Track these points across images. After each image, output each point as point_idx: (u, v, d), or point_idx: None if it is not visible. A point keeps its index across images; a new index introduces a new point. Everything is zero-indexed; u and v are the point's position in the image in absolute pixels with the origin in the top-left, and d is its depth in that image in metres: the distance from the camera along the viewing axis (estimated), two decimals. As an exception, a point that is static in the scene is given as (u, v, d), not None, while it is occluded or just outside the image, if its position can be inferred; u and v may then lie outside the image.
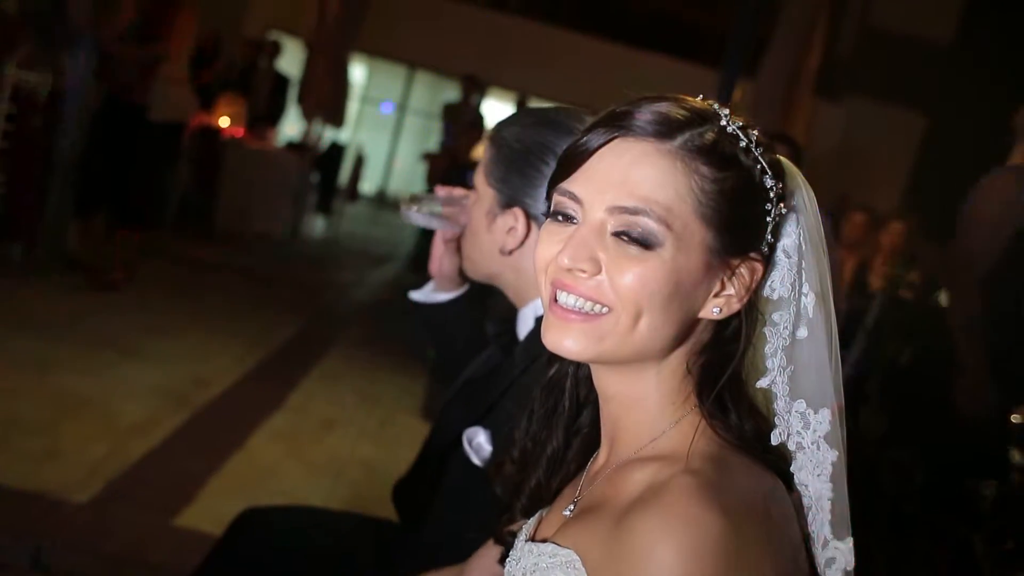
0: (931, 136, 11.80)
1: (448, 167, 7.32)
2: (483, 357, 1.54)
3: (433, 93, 13.79)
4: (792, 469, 0.82)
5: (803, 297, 0.83)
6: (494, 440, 1.30)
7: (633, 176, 0.77)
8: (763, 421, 0.84)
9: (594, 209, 0.79)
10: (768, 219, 0.81)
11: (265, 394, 3.76)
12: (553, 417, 0.94)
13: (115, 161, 4.68)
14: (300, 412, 3.68)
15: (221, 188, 7.26)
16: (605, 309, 0.79)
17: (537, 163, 1.33)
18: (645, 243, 0.76)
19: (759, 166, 0.80)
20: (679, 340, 0.81)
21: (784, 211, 0.82)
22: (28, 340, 3.63)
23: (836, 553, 0.82)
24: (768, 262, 0.82)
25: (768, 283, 0.83)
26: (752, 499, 0.74)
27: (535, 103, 10.81)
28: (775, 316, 0.83)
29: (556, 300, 0.81)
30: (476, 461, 1.31)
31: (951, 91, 10.98)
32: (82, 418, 3.06)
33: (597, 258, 0.78)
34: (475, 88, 8.68)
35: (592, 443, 0.93)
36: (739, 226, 0.79)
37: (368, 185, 12.80)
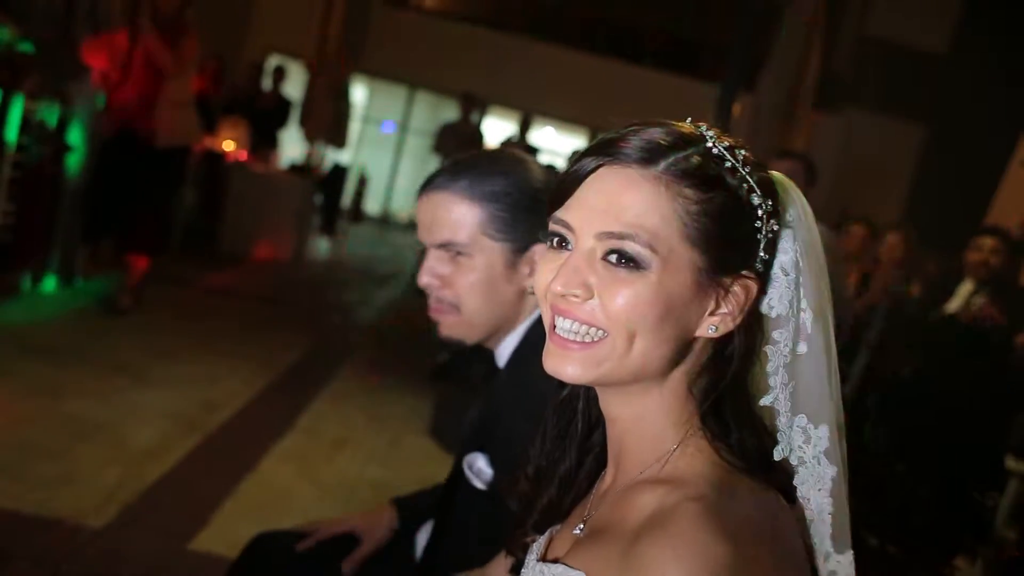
0: (930, 146, 11.86)
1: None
2: (484, 392, 1.59)
3: (434, 112, 13.89)
4: (795, 483, 0.84)
5: (801, 313, 0.84)
6: (493, 464, 1.34)
7: (619, 202, 0.79)
8: (767, 438, 0.85)
9: (584, 236, 0.81)
10: (759, 236, 0.82)
11: (275, 416, 3.80)
12: (566, 437, 0.96)
13: (121, 188, 4.73)
14: (310, 434, 3.71)
15: (225, 211, 7.32)
16: (601, 333, 0.81)
17: (540, 199, 1.36)
18: (633, 266, 0.79)
19: (745, 185, 0.81)
20: (676, 360, 0.83)
21: (776, 227, 0.83)
22: (39, 366, 3.68)
23: (837, 567, 0.84)
24: (763, 279, 0.84)
25: (767, 301, 0.84)
26: (758, 522, 0.76)
27: (537, 121, 10.89)
28: (775, 334, 0.85)
29: (555, 327, 0.84)
30: (479, 485, 1.35)
31: (949, 101, 11.05)
32: (95, 443, 3.09)
33: (588, 283, 0.81)
34: (473, 106, 8.76)
35: (603, 463, 0.94)
36: (727, 245, 0.80)
37: (371, 205, 12.86)
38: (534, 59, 12.72)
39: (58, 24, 4.73)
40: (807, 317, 0.84)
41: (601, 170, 0.81)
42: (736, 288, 0.81)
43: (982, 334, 3.54)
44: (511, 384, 1.38)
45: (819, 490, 0.83)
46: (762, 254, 0.82)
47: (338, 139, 8.58)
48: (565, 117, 13.25)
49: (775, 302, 0.84)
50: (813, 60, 7.57)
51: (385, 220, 14.06)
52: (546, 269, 0.85)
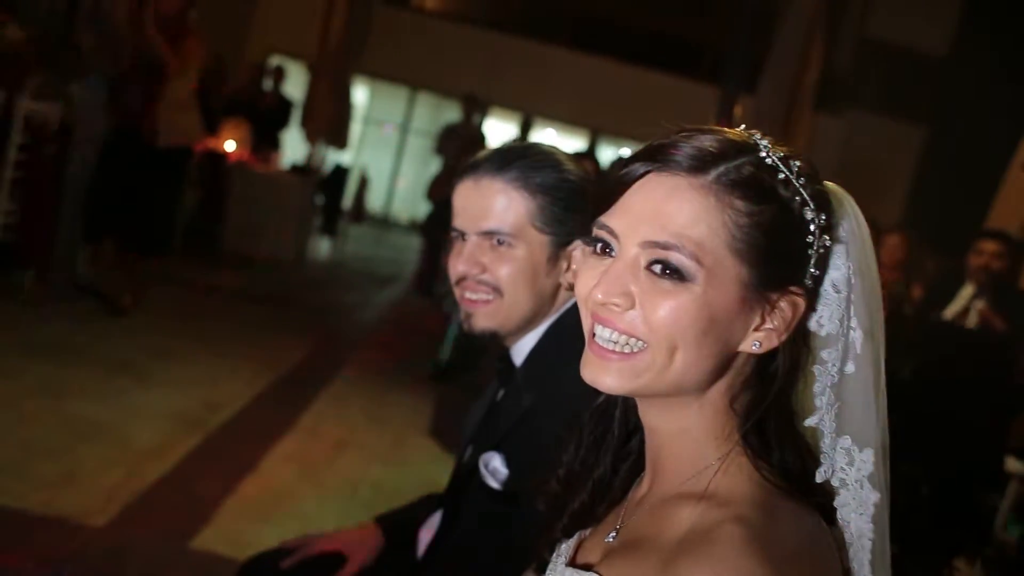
0: (931, 148, 11.87)
1: (447, 185, 7.39)
2: (489, 391, 1.58)
3: (435, 113, 13.90)
4: (836, 504, 0.82)
5: (851, 332, 0.81)
6: (509, 464, 1.34)
7: (666, 211, 0.77)
8: (810, 459, 0.82)
9: (629, 243, 0.79)
10: (810, 252, 0.79)
11: (276, 417, 3.80)
12: (602, 444, 0.94)
13: (124, 188, 4.74)
14: (311, 434, 3.72)
15: (227, 212, 7.34)
16: (641, 344, 0.79)
17: (583, 196, 1.37)
18: (676, 277, 0.76)
19: (798, 198, 0.78)
20: (718, 374, 0.81)
21: (829, 243, 0.80)
22: (42, 366, 3.69)
23: None
24: (813, 296, 0.81)
25: (816, 318, 0.81)
26: (799, 547, 0.74)
27: (537, 123, 10.91)
28: (824, 353, 0.82)
29: (595, 335, 0.82)
30: (494, 484, 1.34)
31: (949, 103, 11.06)
32: (97, 443, 3.10)
33: (630, 292, 0.78)
34: (476, 107, 8.77)
35: (638, 470, 0.92)
36: (776, 260, 0.78)
37: (371, 206, 12.87)
38: (535, 60, 12.73)
39: (61, 24, 4.75)
40: (857, 336, 0.81)
41: (649, 176, 0.79)
42: (783, 304, 0.79)
43: (981, 338, 3.55)
44: (533, 383, 1.36)
45: (860, 514, 0.81)
46: (812, 270, 0.80)
47: (339, 140, 8.59)
48: (566, 119, 13.27)
49: (825, 320, 0.81)
50: (813, 61, 7.58)
51: (386, 221, 14.08)
52: (588, 275, 0.83)
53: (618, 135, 13.22)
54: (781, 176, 0.78)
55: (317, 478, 3.31)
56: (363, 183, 8.95)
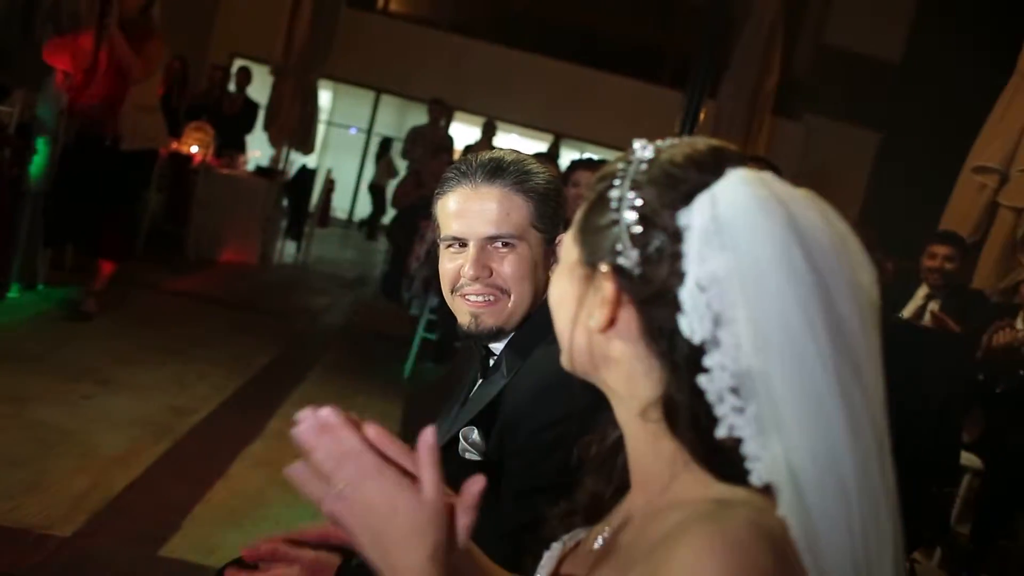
0: (886, 152, 12.14)
1: (414, 190, 7.41)
2: (465, 384, 1.63)
3: (399, 116, 13.88)
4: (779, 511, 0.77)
5: (738, 329, 0.73)
6: (487, 435, 1.41)
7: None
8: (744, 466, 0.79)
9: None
10: (615, 229, 0.79)
11: (245, 421, 3.78)
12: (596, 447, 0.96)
13: (85, 192, 4.67)
14: (280, 438, 3.70)
15: (192, 215, 7.26)
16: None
17: (563, 194, 1.58)
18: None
19: (616, 181, 0.82)
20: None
21: (660, 225, 0.76)
22: (3, 373, 3.62)
23: None
24: (644, 284, 0.77)
25: (687, 321, 0.74)
26: (782, 535, 0.72)
27: (501, 126, 10.94)
28: (707, 360, 0.74)
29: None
30: (476, 456, 1.41)
31: (903, 108, 11.33)
32: (63, 451, 3.06)
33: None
34: (443, 112, 8.79)
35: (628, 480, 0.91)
36: (584, 235, 0.83)
37: (336, 209, 12.81)
38: (498, 64, 12.78)
39: (20, 25, 4.67)
40: (743, 330, 0.72)
41: None
42: (603, 283, 0.79)
43: (937, 337, 3.66)
44: (512, 364, 1.44)
45: (799, 515, 0.74)
46: (625, 249, 0.78)
47: (305, 143, 8.55)
48: (529, 123, 13.33)
49: (695, 324, 0.73)
50: (773, 67, 7.73)
51: (350, 223, 14.01)
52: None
53: (581, 139, 13.32)
54: (620, 166, 0.82)
55: (286, 483, 3.28)
56: (330, 186, 8.89)
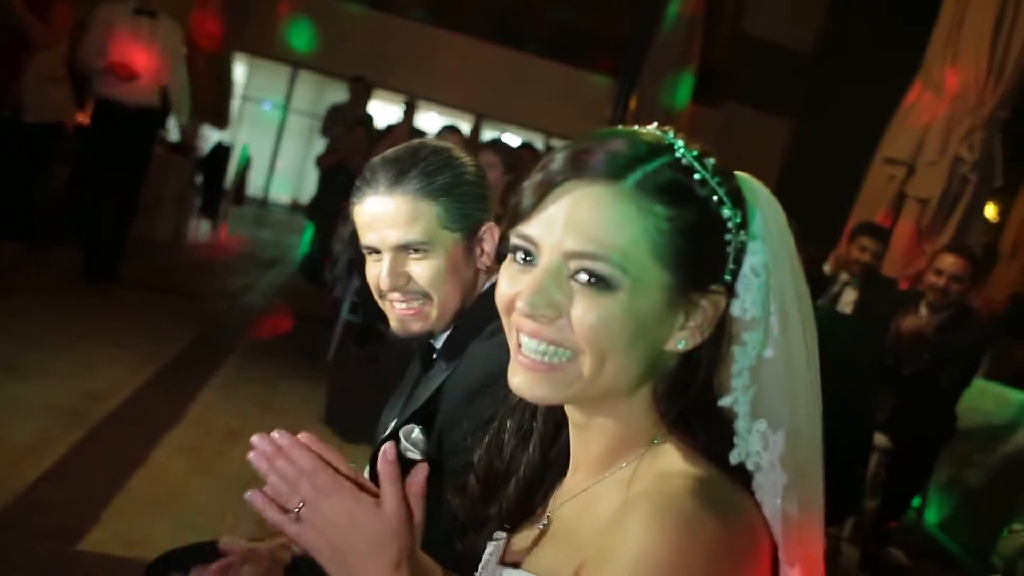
0: (799, 141, 12.55)
1: (335, 166, 7.26)
2: (408, 379, 1.63)
3: (317, 92, 13.55)
4: (753, 486, 0.82)
5: (771, 317, 0.82)
6: (427, 435, 1.39)
7: (587, 220, 0.77)
8: (729, 441, 0.83)
9: (551, 252, 0.79)
10: (728, 249, 0.80)
11: (163, 407, 3.64)
12: (529, 437, 0.95)
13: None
14: (202, 424, 3.59)
15: (98, 191, 6.91)
16: (569, 354, 0.79)
17: (480, 182, 1.48)
18: (603, 286, 0.76)
19: (715, 197, 0.79)
20: (646, 376, 0.82)
21: (745, 238, 0.81)
22: None
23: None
24: (733, 288, 0.82)
25: (739, 304, 0.82)
26: (741, 507, 0.77)
27: (422, 106, 10.81)
28: (746, 336, 0.82)
29: (520, 346, 0.81)
30: (416, 455, 1.39)
31: (815, 98, 11.72)
32: (-33, 441, 2.89)
33: (556, 302, 0.78)
34: (364, 90, 8.61)
35: (567, 462, 0.92)
36: (698, 262, 0.79)
37: (251, 187, 12.44)
38: (421, 43, 12.60)
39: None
40: (775, 321, 0.82)
41: (567, 184, 0.79)
42: (705, 303, 0.80)
43: (852, 322, 3.83)
44: (451, 359, 1.43)
45: (774, 496, 0.80)
46: (732, 265, 0.81)
47: (219, 119, 8.26)
48: (451, 103, 13.22)
49: (748, 305, 0.82)
50: (693, 55, 7.89)
51: (265, 202, 13.64)
52: (509, 282, 0.82)
53: (503, 121, 13.30)
54: (697, 176, 0.79)
55: (210, 470, 3.20)
56: (246, 163, 8.62)
